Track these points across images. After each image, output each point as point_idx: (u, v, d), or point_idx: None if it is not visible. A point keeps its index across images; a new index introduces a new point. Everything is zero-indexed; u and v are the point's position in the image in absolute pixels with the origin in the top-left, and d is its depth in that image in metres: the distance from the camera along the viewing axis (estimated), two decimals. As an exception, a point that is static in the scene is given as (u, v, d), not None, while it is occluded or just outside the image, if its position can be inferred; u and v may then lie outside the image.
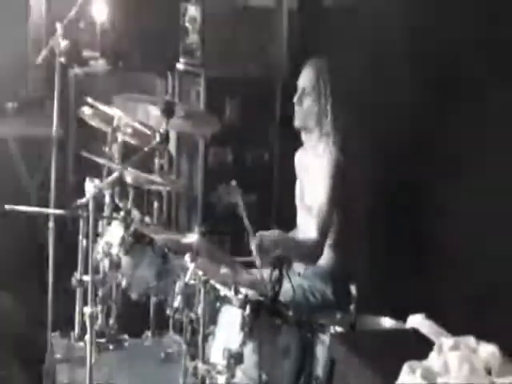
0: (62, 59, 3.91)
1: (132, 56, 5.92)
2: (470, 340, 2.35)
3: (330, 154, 3.50)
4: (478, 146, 3.81)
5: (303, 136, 3.67)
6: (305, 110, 3.58)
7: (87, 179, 3.51)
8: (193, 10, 5.17)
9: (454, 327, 2.62)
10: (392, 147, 4.31)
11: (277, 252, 3.17)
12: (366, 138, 3.85)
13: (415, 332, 2.74)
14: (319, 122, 3.56)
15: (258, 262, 3.31)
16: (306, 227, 3.56)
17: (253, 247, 3.29)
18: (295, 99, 3.61)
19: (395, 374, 2.32)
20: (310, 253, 3.47)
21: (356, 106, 3.87)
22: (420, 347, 2.47)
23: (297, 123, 3.63)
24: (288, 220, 3.82)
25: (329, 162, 3.48)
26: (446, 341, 2.35)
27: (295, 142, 3.75)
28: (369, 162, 3.71)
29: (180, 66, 5.32)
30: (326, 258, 3.52)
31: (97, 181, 3.49)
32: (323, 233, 3.45)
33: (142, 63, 5.83)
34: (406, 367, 2.32)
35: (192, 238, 3.43)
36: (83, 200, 3.39)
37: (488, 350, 2.30)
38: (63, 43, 3.89)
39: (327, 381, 2.68)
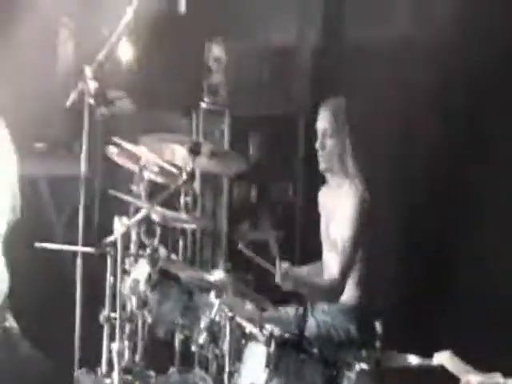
0: (91, 101, 3.98)
1: (157, 95, 6.00)
2: (497, 377, 2.35)
3: (355, 193, 3.52)
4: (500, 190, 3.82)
5: (328, 176, 3.70)
6: (328, 152, 3.61)
7: (116, 217, 3.57)
8: (217, 50, 5.25)
9: (481, 364, 2.62)
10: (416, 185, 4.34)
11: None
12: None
13: (442, 369, 2.74)
14: (343, 162, 3.59)
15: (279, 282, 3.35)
16: (331, 264, 3.59)
17: (278, 276, 3.32)
18: (317, 144, 3.63)
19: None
20: (329, 291, 3.49)
21: (380, 145, 3.94)
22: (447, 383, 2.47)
23: (322, 166, 3.65)
24: (311, 255, 3.85)
25: (354, 200, 3.51)
26: (473, 377, 2.35)
27: (319, 178, 3.79)
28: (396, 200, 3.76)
29: (204, 105, 5.39)
30: (350, 294, 3.53)
31: (125, 219, 3.55)
32: (345, 271, 3.47)
33: (166, 103, 5.91)
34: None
35: (217, 275, 3.46)
36: (112, 238, 3.44)
37: (515, 387, 2.29)
38: (93, 85, 3.97)
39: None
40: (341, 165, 3.59)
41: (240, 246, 3.36)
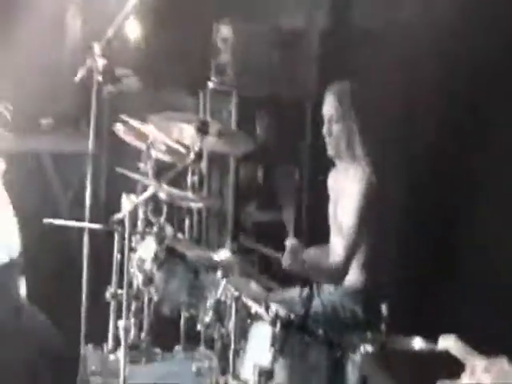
0: (99, 78, 3.98)
1: (164, 74, 6.00)
2: (503, 362, 2.37)
3: (362, 176, 3.53)
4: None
5: (336, 161, 3.71)
6: (335, 137, 3.61)
7: (124, 195, 3.58)
8: (225, 31, 5.24)
9: (487, 349, 2.64)
10: (425, 168, 4.35)
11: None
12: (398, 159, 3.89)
13: (447, 353, 2.77)
14: (350, 147, 3.59)
15: (285, 262, 3.37)
16: (337, 247, 3.60)
17: (287, 246, 3.35)
18: (324, 130, 3.63)
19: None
20: (333, 275, 3.51)
21: (386, 129, 3.93)
22: (451, 368, 2.49)
23: (330, 152, 3.65)
24: (317, 238, 3.87)
25: (361, 183, 3.52)
26: (478, 362, 2.37)
27: (326, 162, 3.80)
28: (402, 183, 3.76)
29: (212, 84, 5.39)
30: (356, 276, 3.55)
31: (133, 197, 3.57)
32: (349, 254, 3.48)
33: (174, 82, 5.91)
34: (438, 387, 2.34)
35: (223, 254, 3.48)
36: (120, 215, 3.46)
37: (521, 372, 2.31)
38: (101, 62, 3.97)
39: (358, 399, 2.71)
40: (348, 149, 3.59)
41: (241, 238, 3.37)
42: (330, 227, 3.72)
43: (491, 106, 4.03)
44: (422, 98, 4.39)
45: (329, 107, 3.62)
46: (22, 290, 3.77)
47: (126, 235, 3.46)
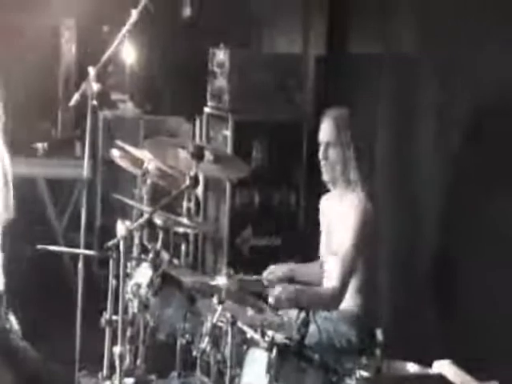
0: (94, 102, 3.99)
1: (160, 99, 6.02)
2: (497, 386, 2.37)
3: (358, 202, 3.53)
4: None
5: (331, 186, 3.71)
6: (330, 162, 3.61)
7: (119, 220, 3.58)
8: (221, 55, 5.26)
9: (480, 374, 2.63)
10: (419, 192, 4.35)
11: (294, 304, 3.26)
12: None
13: (441, 378, 2.76)
14: (346, 172, 3.59)
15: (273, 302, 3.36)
16: (332, 273, 3.60)
17: (271, 300, 3.33)
18: (320, 155, 3.63)
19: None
20: (329, 301, 3.50)
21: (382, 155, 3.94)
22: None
23: (325, 177, 3.66)
24: (313, 261, 3.86)
25: (357, 209, 3.52)
26: (473, 387, 2.37)
27: (322, 187, 3.80)
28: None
29: (208, 109, 5.40)
30: (351, 302, 3.55)
31: (128, 222, 3.56)
32: (345, 280, 3.48)
33: (170, 107, 5.93)
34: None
35: (220, 280, 3.47)
36: (114, 241, 3.45)
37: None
38: (96, 86, 3.98)
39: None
40: (344, 175, 3.59)
41: (238, 276, 3.34)
42: (323, 253, 3.72)
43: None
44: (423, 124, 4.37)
45: (325, 132, 3.63)
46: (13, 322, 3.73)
47: (121, 261, 3.44)
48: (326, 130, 3.63)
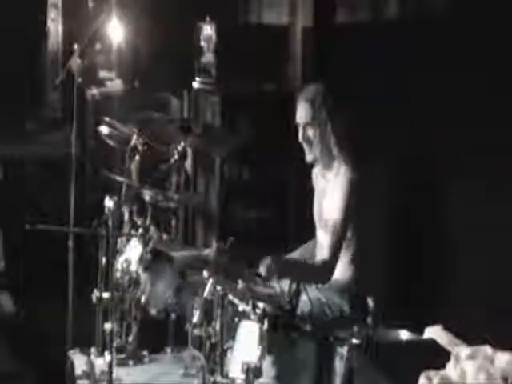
0: (79, 80, 3.95)
1: (147, 75, 5.98)
2: (487, 349, 2.37)
3: (343, 175, 3.50)
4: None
5: (316, 164, 3.67)
6: (311, 143, 3.56)
7: (107, 197, 3.56)
8: (208, 29, 5.22)
9: (471, 337, 2.63)
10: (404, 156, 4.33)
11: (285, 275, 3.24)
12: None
13: (432, 343, 2.76)
14: (327, 149, 3.55)
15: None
16: (324, 242, 3.59)
17: (262, 269, 3.31)
18: (300, 137, 3.56)
19: (413, 384, 2.34)
20: (320, 274, 3.48)
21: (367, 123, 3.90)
22: (437, 358, 2.49)
23: (309, 158, 3.59)
24: (304, 235, 3.85)
25: (342, 181, 3.48)
26: (462, 350, 2.37)
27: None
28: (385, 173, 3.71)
29: (195, 84, 5.38)
30: (342, 272, 3.54)
31: (116, 198, 3.54)
32: (335, 252, 3.46)
33: (157, 82, 5.89)
34: (423, 377, 2.34)
35: (210, 253, 3.46)
36: (103, 217, 3.44)
37: (505, 359, 2.31)
38: (82, 64, 3.94)
39: (346, 393, 2.70)
40: (326, 152, 3.55)
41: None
42: (316, 223, 3.70)
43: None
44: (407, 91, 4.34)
45: (301, 113, 3.55)
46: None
47: (110, 237, 3.43)
48: (301, 112, 3.54)
